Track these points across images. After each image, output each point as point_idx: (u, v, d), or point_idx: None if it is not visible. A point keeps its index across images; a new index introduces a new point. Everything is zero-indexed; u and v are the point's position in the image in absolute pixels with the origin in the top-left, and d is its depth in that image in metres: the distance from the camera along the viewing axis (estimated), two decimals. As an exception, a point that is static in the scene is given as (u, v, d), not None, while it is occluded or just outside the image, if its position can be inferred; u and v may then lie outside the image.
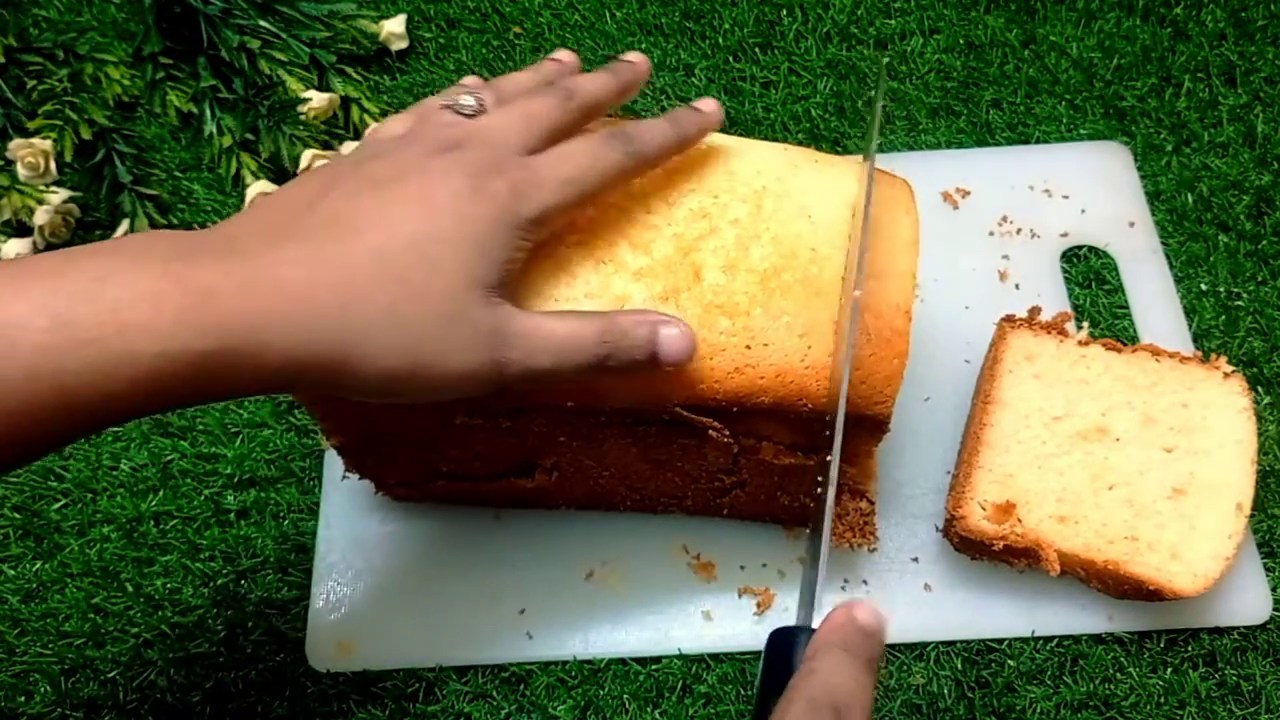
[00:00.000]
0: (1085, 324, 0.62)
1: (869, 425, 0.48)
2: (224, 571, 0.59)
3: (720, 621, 0.56)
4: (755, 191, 0.48)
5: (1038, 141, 0.71)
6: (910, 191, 0.50)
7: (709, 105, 0.48)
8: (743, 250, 0.46)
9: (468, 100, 0.45)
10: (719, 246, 0.46)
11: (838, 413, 0.43)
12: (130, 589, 0.59)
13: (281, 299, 0.36)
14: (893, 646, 0.56)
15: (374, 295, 0.38)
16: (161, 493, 0.62)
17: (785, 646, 0.37)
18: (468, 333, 0.39)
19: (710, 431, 0.48)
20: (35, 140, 0.69)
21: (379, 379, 0.38)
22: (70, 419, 0.34)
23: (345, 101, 0.73)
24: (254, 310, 0.36)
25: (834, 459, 0.43)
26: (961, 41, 0.75)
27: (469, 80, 0.48)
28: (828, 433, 0.44)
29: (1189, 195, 0.68)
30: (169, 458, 0.63)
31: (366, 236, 0.38)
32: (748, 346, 0.45)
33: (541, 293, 0.44)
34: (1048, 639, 0.55)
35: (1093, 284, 0.65)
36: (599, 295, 0.45)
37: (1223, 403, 0.56)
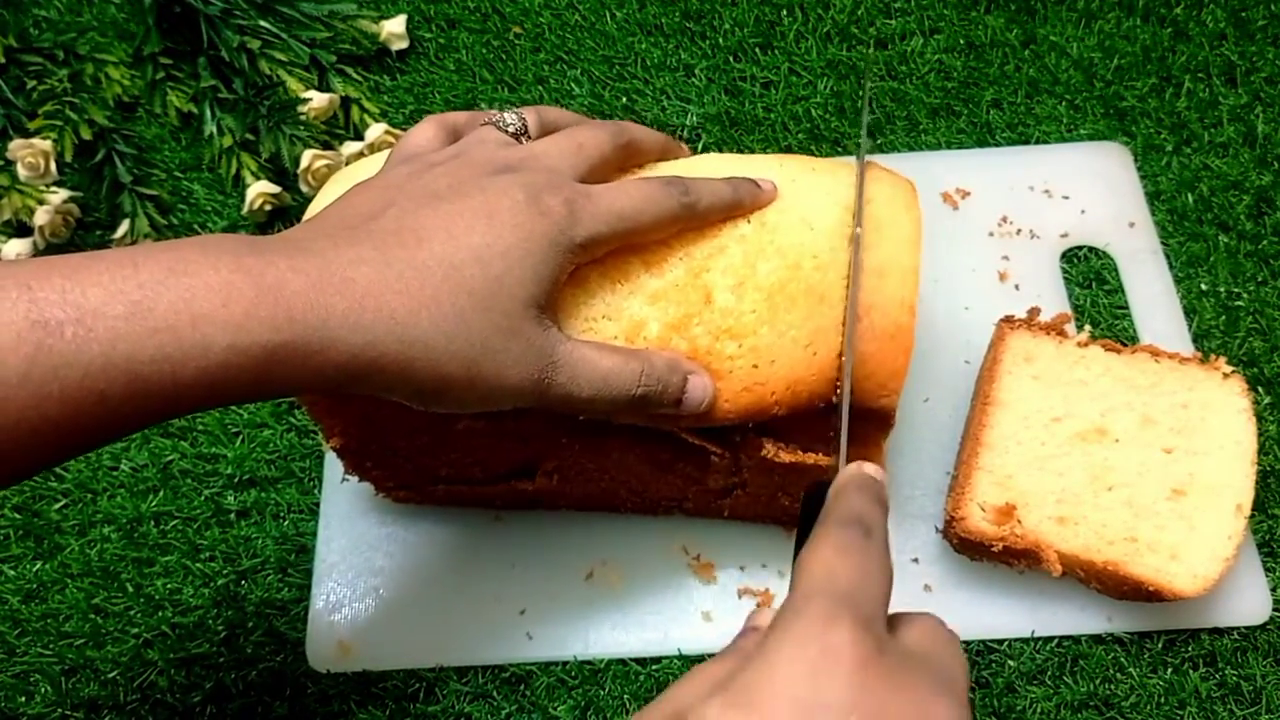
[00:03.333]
0: (1087, 326, 0.62)
1: (875, 419, 0.48)
2: (224, 572, 0.59)
3: (720, 622, 0.56)
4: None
5: (1038, 142, 0.71)
6: (912, 189, 0.50)
7: (768, 184, 0.48)
8: (750, 267, 0.46)
9: (512, 117, 0.47)
10: (728, 265, 0.46)
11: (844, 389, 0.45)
12: (130, 589, 0.59)
13: (350, 298, 0.37)
14: (892, 647, 0.56)
15: (442, 303, 0.39)
16: (162, 493, 0.62)
17: (819, 497, 0.40)
18: (523, 349, 0.40)
19: (712, 456, 0.48)
20: (35, 140, 0.69)
21: (437, 385, 0.39)
22: (138, 406, 0.35)
23: (345, 102, 0.73)
24: (323, 306, 0.37)
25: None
26: (962, 41, 0.75)
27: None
28: (832, 434, 0.44)
29: (1189, 195, 0.68)
30: (169, 458, 0.63)
31: (433, 246, 0.39)
32: (755, 366, 0.45)
33: (562, 309, 0.44)
34: (1048, 639, 0.55)
35: (1093, 284, 0.65)
36: (616, 317, 0.45)
37: (1222, 403, 0.56)
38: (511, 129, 0.47)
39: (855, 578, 0.34)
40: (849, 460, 0.41)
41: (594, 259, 0.44)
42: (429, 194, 0.41)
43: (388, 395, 0.40)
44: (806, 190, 0.48)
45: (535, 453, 0.53)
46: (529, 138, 0.47)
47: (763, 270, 0.46)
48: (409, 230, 0.40)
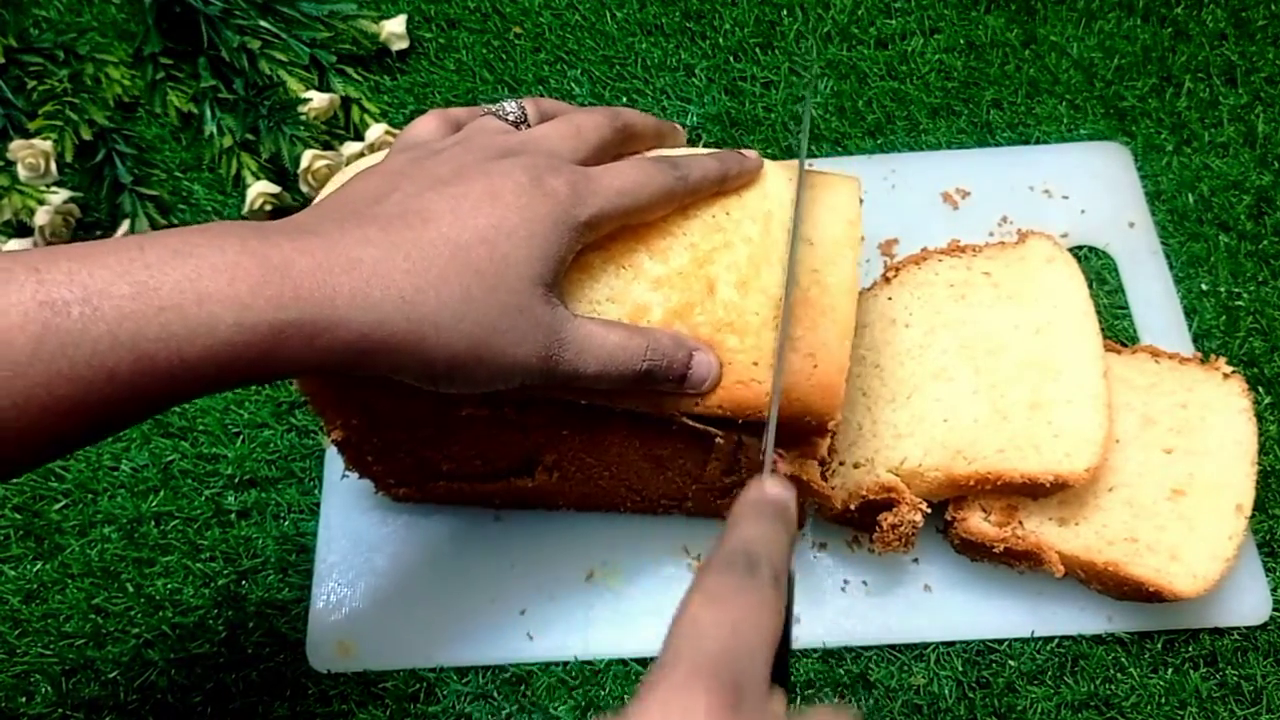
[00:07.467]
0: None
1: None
2: (225, 572, 0.59)
3: (720, 622, 0.56)
4: (764, 213, 0.49)
5: (1038, 141, 0.71)
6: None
7: (752, 154, 0.50)
8: (755, 270, 0.47)
9: (511, 106, 0.48)
10: (732, 262, 0.47)
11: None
12: (131, 589, 0.59)
13: (357, 277, 0.38)
14: (893, 647, 0.56)
15: (449, 282, 0.39)
16: (162, 493, 0.62)
17: None
18: (529, 326, 0.41)
19: (717, 439, 0.48)
20: (36, 141, 0.69)
21: (446, 364, 0.40)
22: (147, 386, 0.35)
23: (345, 102, 0.73)
24: (329, 285, 0.37)
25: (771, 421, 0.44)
26: (962, 41, 0.75)
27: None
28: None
29: (1189, 195, 0.68)
30: (170, 458, 0.63)
31: (440, 226, 0.40)
32: (755, 363, 0.46)
33: (567, 292, 0.45)
34: (1048, 639, 0.55)
35: (1093, 284, 0.65)
36: (620, 301, 0.46)
37: (1222, 404, 0.56)
38: (511, 117, 0.48)
39: (723, 635, 0.31)
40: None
41: (597, 241, 0.45)
42: (432, 179, 0.42)
43: (397, 375, 0.40)
44: (809, 203, 0.49)
45: (535, 445, 0.53)
46: (528, 126, 0.48)
47: (767, 277, 0.47)
48: (414, 213, 0.40)
